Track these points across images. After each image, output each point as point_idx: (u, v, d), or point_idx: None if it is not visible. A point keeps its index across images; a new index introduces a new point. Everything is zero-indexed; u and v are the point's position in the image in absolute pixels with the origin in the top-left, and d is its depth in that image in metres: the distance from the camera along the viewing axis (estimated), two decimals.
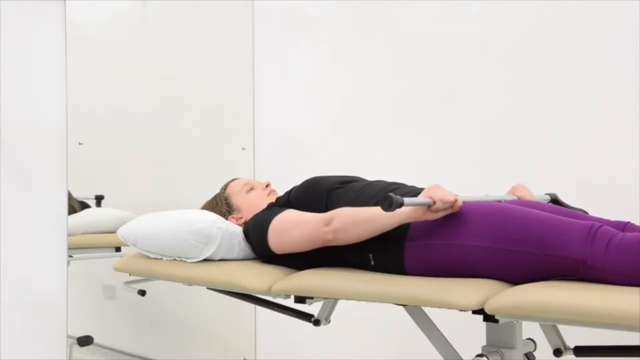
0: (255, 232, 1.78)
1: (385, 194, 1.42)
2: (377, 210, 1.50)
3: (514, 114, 2.33)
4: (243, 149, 2.96)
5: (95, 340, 2.58)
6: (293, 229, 1.68)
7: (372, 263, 1.60)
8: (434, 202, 1.47)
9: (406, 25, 2.60)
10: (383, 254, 1.58)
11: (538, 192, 1.83)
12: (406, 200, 1.44)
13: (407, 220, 1.52)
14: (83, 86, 2.52)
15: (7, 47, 2.19)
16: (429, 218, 1.49)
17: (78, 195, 2.52)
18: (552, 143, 2.25)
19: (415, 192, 1.66)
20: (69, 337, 2.35)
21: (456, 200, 1.49)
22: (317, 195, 1.76)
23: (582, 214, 1.57)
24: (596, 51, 2.17)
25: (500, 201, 1.60)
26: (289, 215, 1.73)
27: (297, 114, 2.88)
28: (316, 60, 2.85)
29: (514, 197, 1.76)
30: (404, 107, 2.61)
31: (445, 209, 1.49)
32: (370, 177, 1.93)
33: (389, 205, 1.42)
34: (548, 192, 1.86)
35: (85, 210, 2.59)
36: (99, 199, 2.62)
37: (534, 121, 2.28)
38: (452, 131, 2.47)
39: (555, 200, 1.87)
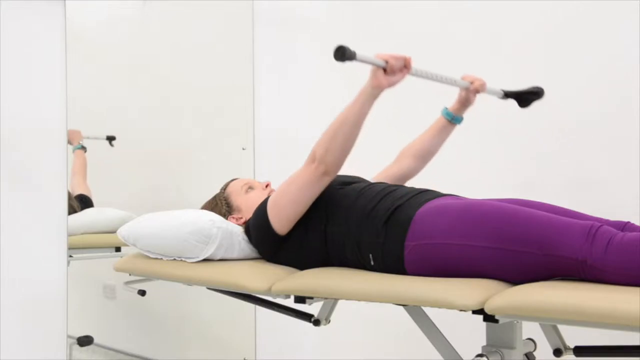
0: (256, 220, 1.77)
1: (338, 45, 1.47)
2: (342, 112, 1.56)
3: (514, 113, 2.33)
4: (243, 149, 2.96)
5: (95, 340, 2.58)
6: (288, 190, 1.69)
7: (372, 263, 1.60)
8: (387, 62, 1.54)
9: (406, 25, 2.60)
10: (383, 253, 1.58)
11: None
12: (358, 54, 1.50)
13: (372, 93, 1.57)
14: (83, 86, 2.52)
15: (7, 47, 2.19)
16: (390, 83, 1.55)
17: (89, 134, 2.54)
18: (552, 143, 2.25)
19: (414, 192, 1.66)
20: (69, 337, 2.35)
21: (406, 57, 1.56)
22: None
23: (582, 214, 1.57)
24: (596, 51, 2.17)
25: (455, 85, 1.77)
26: (280, 186, 1.74)
27: (297, 114, 2.88)
28: (316, 60, 2.85)
29: (466, 83, 1.90)
30: (404, 107, 2.61)
31: (401, 68, 1.56)
32: (369, 177, 1.93)
33: (342, 55, 1.50)
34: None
35: (85, 210, 2.60)
36: (110, 139, 2.62)
37: (534, 121, 2.28)
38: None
39: (509, 94, 1.99)
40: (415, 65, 1.62)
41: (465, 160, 2.43)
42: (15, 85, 2.22)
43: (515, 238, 1.42)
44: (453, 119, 2.03)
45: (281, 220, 1.72)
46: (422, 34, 2.55)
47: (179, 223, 1.84)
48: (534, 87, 1.97)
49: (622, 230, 1.44)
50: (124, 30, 2.83)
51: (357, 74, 2.76)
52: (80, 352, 2.57)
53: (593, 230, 1.36)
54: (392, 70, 1.56)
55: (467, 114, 2.44)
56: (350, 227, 1.64)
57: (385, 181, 1.92)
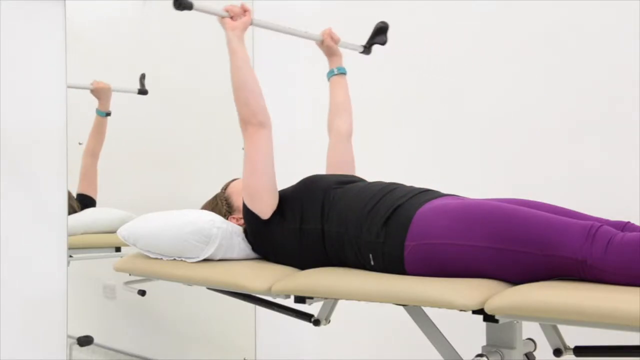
0: (244, 217, 1.82)
1: None
2: (231, 75, 1.75)
3: (514, 113, 2.33)
4: (243, 149, 2.95)
5: (95, 340, 2.58)
6: (250, 168, 1.77)
7: (372, 263, 1.60)
8: (227, 11, 1.78)
9: (406, 25, 2.60)
10: (383, 253, 1.58)
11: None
12: (196, 4, 1.73)
13: (235, 37, 1.77)
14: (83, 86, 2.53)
15: (7, 47, 2.19)
16: (243, 23, 1.79)
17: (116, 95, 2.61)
18: (552, 143, 2.25)
19: (414, 192, 1.66)
20: (69, 337, 2.35)
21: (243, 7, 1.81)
22: (313, 193, 1.76)
23: (582, 214, 1.57)
24: (596, 50, 2.17)
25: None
26: (243, 173, 1.81)
27: (297, 114, 2.88)
28: (316, 60, 2.85)
29: (317, 36, 2.12)
30: (404, 107, 2.61)
31: (243, 12, 1.80)
32: (369, 177, 1.93)
33: (179, 5, 1.73)
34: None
35: (85, 210, 2.59)
36: (142, 92, 2.64)
37: (534, 121, 2.28)
38: (451, 131, 2.47)
39: (366, 46, 2.20)
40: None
41: (465, 160, 2.43)
42: (15, 85, 2.21)
43: (515, 238, 1.42)
44: (336, 71, 2.15)
45: (261, 202, 1.75)
46: (422, 34, 2.55)
47: (179, 223, 1.84)
48: (376, 28, 2.21)
49: (622, 230, 1.44)
50: (124, 30, 2.83)
51: (357, 74, 2.77)
52: (80, 352, 2.57)
53: (593, 230, 1.36)
54: (236, 14, 1.81)
55: (467, 114, 2.45)
56: (349, 226, 1.64)
57: (338, 170, 2.01)
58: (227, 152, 3.00)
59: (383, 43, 2.22)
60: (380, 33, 2.21)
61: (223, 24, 1.82)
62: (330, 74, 2.17)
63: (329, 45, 2.14)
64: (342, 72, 2.16)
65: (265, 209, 1.76)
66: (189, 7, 1.74)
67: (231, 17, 1.81)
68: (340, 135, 2.10)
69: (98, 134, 2.63)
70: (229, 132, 3.04)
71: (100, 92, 2.60)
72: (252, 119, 1.76)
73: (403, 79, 2.60)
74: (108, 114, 2.62)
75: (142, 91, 2.68)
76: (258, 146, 1.76)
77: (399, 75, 2.61)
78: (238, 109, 1.78)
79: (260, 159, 1.76)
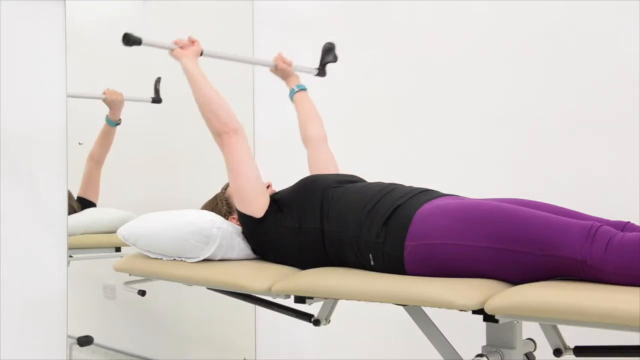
0: (240, 221, 1.84)
1: (124, 33, 1.85)
2: (196, 96, 1.85)
3: (514, 113, 2.33)
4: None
5: (95, 340, 2.58)
6: (235, 174, 1.79)
7: (372, 263, 1.60)
8: (175, 43, 1.93)
9: (406, 25, 2.60)
10: (383, 253, 1.58)
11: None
12: (144, 39, 1.86)
13: (190, 62, 1.90)
14: (83, 86, 2.52)
15: (7, 47, 2.19)
16: (193, 51, 1.94)
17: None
18: (551, 143, 2.25)
19: (413, 192, 1.66)
20: (69, 337, 2.35)
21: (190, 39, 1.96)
22: (312, 193, 1.76)
23: (582, 214, 1.57)
24: (597, 49, 2.17)
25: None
26: (230, 181, 1.84)
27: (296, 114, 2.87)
28: (316, 60, 2.85)
29: (270, 62, 2.23)
30: (404, 107, 2.61)
31: (191, 42, 1.96)
32: (369, 177, 1.93)
33: (127, 41, 1.86)
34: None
35: (85, 210, 2.59)
36: (155, 101, 2.62)
37: (534, 120, 2.28)
38: (451, 131, 2.47)
39: (320, 68, 2.32)
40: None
41: (465, 160, 2.43)
42: (15, 85, 2.21)
43: (515, 238, 1.42)
44: (297, 89, 2.24)
45: (252, 203, 1.78)
46: (422, 34, 2.55)
47: (179, 223, 1.84)
48: (324, 49, 2.31)
49: (622, 230, 1.44)
50: (124, 30, 2.83)
51: (357, 74, 2.76)
52: (80, 352, 2.57)
53: (593, 230, 1.36)
54: (184, 45, 1.96)
55: (467, 114, 2.45)
56: (349, 226, 1.64)
57: (325, 169, 2.06)
58: None
59: (334, 61, 2.32)
60: (328, 53, 2.31)
61: (176, 55, 1.95)
62: (292, 93, 2.25)
63: (283, 69, 2.25)
64: (303, 89, 2.25)
65: (257, 208, 1.78)
66: (138, 42, 1.88)
67: (181, 48, 1.95)
68: (317, 141, 2.16)
69: (105, 141, 2.63)
70: None
71: (113, 103, 2.59)
72: (225, 127, 1.81)
73: (403, 79, 2.59)
74: (118, 124, 2.62)
75: (156, 100, 2.66)
76: (236, 151, 1.80)
77: (399, 75, 2.61)
78: (209, 124, 1.84)
79: (242, 163, 1.80)
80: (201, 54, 2.00)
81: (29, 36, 2.25)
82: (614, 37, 2.13)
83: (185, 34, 2.02)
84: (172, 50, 1.96)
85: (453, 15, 2.46)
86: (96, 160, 2.60)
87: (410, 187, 1.72)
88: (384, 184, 1.75)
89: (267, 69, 2.33)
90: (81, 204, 2.58)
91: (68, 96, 2.30)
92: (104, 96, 2.55)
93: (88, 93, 2.49)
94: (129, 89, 2.79)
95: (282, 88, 2.44)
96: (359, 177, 1.90)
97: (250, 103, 2.98)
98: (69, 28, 2.32)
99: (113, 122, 2.59)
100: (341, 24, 2.79)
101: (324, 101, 2.80)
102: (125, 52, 2.80)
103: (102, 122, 2.63)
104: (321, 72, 2.34)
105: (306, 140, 2.19)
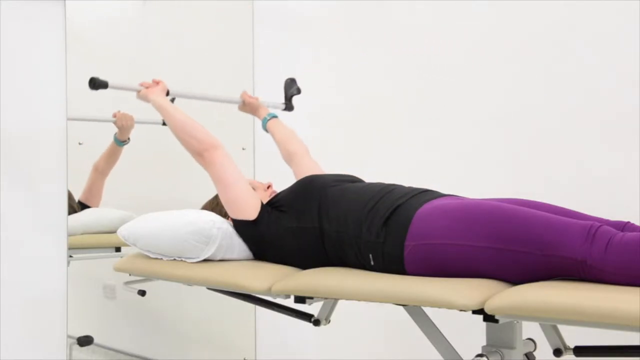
0: (237, 228, 1.85)
1: (90, 77, 1.95)
2: (172, 127, 1.91)
3: (514, 114, 2.33)
4: (243, 149, 2.96)
5: (95, 340, 2.58)
6: (224, 186, 1.83)
7: (372, 263, 1.60)
8: (140, 84, 2.02)
9: (406, 26, 2.60)
10: (383, 253, 1.58)
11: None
12: (111, 82, 1.96)
13: (159, 99, 1.98)
14: (83, 86, 2.52)
15: (7, 47, 2.19)
16: (160, 89, 2.04)
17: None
18: (552, 143, 2.25)
19: (413, 192, 1.66)
20: (69, 337, 2.35)
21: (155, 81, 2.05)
22: (310, 192, 1.76)
23: (582, 214, 1.57)
24: (597, 49, 2.17)
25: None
26: (219, 193, 1.87)
27: (297, 114, 2.87)
28: (316, 60, 2.85)
29: (237, 100, 2.30)
30: (404, 108, 2.61)
31: (156, 83, 2.05)
32: (369, 177, 1.93)
33: (93, 85, 1.94)
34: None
35: (85, 210, 2.59)
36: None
37: (535, 121, 2.28)
38: (451, 131, 2.47)
39: (287, 103, 2.38)
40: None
41: (465, 161, 2.43)
42: (15, 85, 2.21)
43: (515, 238, 1.42)
44: (269, 117, 2.30)
45: (245, 208, 1.80)
46: (423, 34, 2.55)
47: (179, 223, 1.84)
48: (285, 84, 2.38)
49: (622, 230, 1.44)
50: (124, 30, 2.83)
51: (357, 74, 2.77)
52: (80, 352, 2.57)
53: (593, 230, 1.36)
54: (150, 86, 2.06)
55: (467, 114, 2.45)
56: (349, 226, 1.64)
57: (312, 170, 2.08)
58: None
59: (298, 92, 2.39)
60: (290, 87, 2.37)
61: (143, 96, 2.05)
62: (265, 122, 2.31)
63: (250, 103, 2.33)
64: (274, 116, 2.30)
65: (250, 210, 1.81)
66: (104, 86, 1.95)
67: (146, 88, 2.05)
68: (300, 155, 2.18)
69: (111, 159, 2.65)
70: (229, 133, 3.04)
71: (123, 127, 2.60)
72: (204, 145, 1.84)
73: (403, 79, 2.59)
74: (126, 143, 2.63)
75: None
76: (220, 164, 1.83)
77: (398, 75, 2.61)
78: (189, 147, 1.87)
79: (227, 173, 1.83)
80: (167, 94, 2.07)
81: (29, 36, 2.25)
82: (614, 37, 2.13)
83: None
84: (138, 92, 2.05)
85: (453, 15, 2.46)
86: (101, 171, 2.62)
87: (410, 187, 1.72)
88: (383, 184, 1.75)
89: (267, 70, 2.34)
90: (82, 207, 2.58)
91: (78, 119, 2.35)
92: (114, 119, 2.57)
93: (98, 116, 2.53)
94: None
95: (282, 91, 2.45)
96: (356, 177, 1.90)
97: None
98: (69, 28, 2.32)
99: (122, 143, 2.63)
100: (341, 24, 2.79)
101: (324, 101, 2.81)
102: (125, 52, 2.81)
103: (102, 122, 2.64)
104: (288, 105, 2.40)
105: (288, 157, 2.21)
